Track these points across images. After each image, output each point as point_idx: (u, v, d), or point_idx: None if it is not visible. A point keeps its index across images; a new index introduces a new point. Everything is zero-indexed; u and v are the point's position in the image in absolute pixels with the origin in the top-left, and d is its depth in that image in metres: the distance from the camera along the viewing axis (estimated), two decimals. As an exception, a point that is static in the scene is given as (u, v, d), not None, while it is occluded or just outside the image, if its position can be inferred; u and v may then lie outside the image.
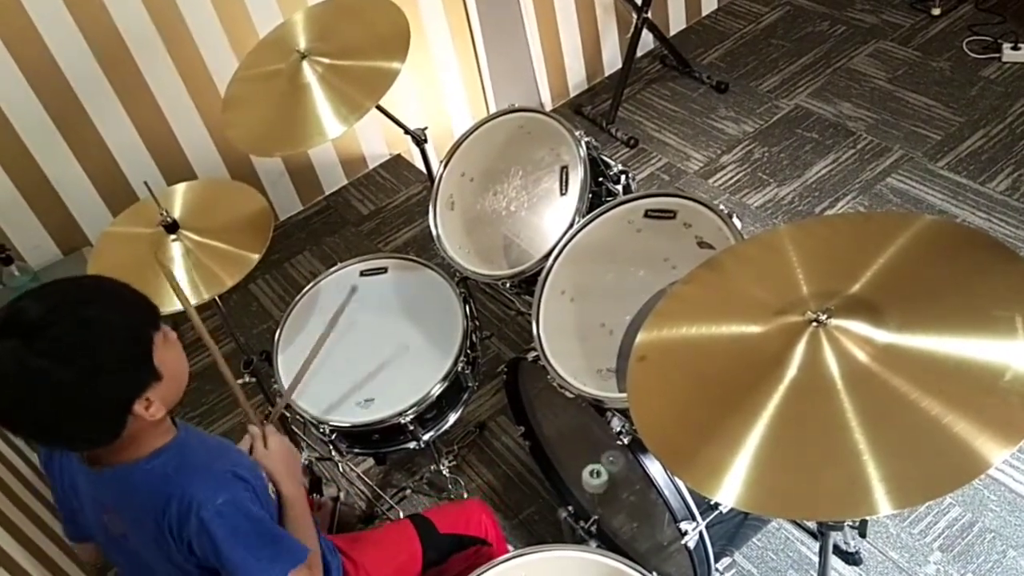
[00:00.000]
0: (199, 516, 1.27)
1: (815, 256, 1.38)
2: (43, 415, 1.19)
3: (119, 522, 1.36)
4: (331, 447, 2.03)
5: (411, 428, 1.96)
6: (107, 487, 1.33)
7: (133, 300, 1.28)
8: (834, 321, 1.22)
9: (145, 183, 1.89)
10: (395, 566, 1.70)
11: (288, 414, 2.04)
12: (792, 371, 1.21)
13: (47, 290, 1.24)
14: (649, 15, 3.40)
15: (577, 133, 1.99)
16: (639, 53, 3.62)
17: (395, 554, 1.71)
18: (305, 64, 2.11)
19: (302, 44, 2.17)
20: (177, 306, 1.68)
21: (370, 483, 2.36)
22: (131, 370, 1.23)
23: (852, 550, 2.07)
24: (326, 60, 2.12)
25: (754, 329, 1.30)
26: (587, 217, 1.91)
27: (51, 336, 1.16)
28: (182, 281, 1.82)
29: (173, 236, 1.89)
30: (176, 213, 1.93)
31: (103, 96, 2.78)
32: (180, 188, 2.04)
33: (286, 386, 2.01)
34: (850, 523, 2.06)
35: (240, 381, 2.08)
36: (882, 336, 1.20)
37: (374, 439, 2.03)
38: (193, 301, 1.77)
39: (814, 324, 1.23)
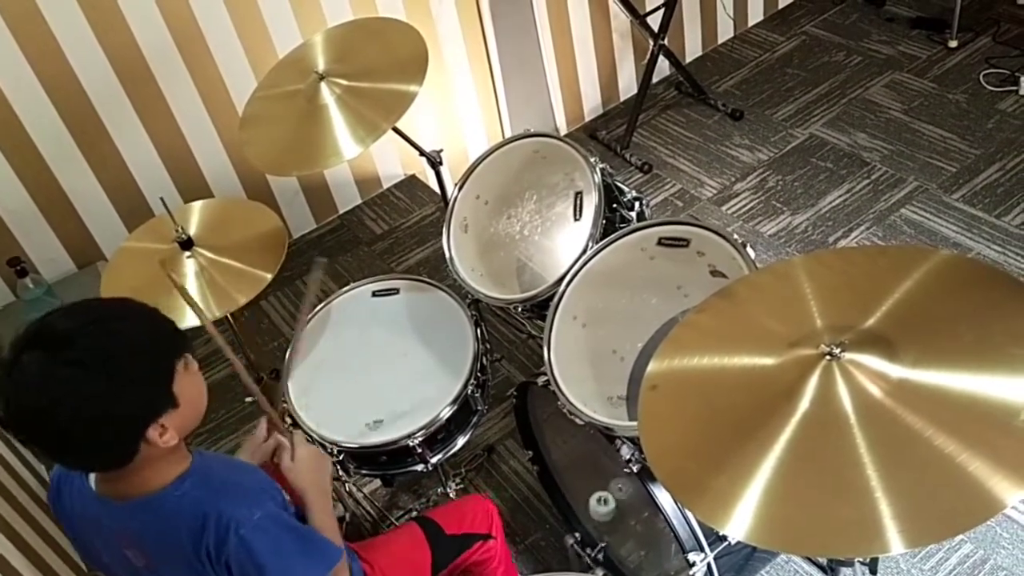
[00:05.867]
0: (239, 534, 1.28)
1: (829, 288, 1.37)
2: (61, 426, 1.18)
3: (142, 554, 1.35)
4: (338, 467, 2.02)
5: (419, 450, 1.95)
6: (132, 518, 1.32)
7: (160, 324, 1.29)
8: (848, 355, 1.21)
9: (161, 199, 1.91)
10: (407, 570, 1.71)
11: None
12: (805, 404, 1.20)
13: (76, 307, 1.26)
14: (665, 42, 3.41)
15: (592, 159, 1.99)
16: (655, 79, 3.64)
17: (406, 558, 1.72)
18: (323, 85, 2.13)
19: (321, 65, 2.18)
20: (190, 323, 1.68)
21: (376, 504, 2.35)
22: (149, 391, 1.23)
23: (862, 585, 2.04)
24: (344, 81, 2.13)
25: (767, 361, 1.29)
26: (600, 243, 1.91)
27: (75, 347, 1.17)
28: (195, 298, 1.83)
29: (188, 253, 1.90)
30: (192, 230, 1.94)
31: (122, 112, 2.80)
32: (196, 205, 2.05)
33: (295, 405, 2.01)
34: (860, 559, 2.03)
35: (249, 399, 2.09)
36: (896, 371, 1.19)
37: (381, 460, 2.02)
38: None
39: (828, 358, 1.22)
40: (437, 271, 3.08)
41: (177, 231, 1.88)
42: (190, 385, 1.29)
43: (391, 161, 3.46)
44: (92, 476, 1.35)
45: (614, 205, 2.02)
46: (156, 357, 1.25)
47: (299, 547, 1.34)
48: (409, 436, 1.92)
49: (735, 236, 1.75)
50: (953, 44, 3.60)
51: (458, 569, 1.78)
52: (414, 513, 2.38)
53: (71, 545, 2.46)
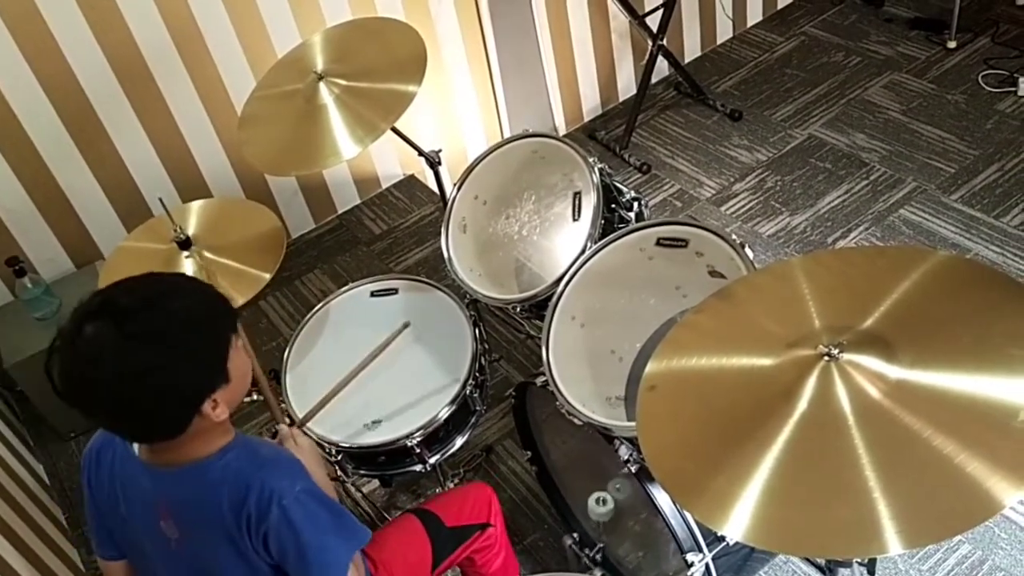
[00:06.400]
0: (281, 505, 1.31)
1: (828, 289, 1.37)
2: (121, 396, 1.21)
3: (176, 526, 1.37)
4: (336, 468, 2.02)
5: (418, 451, 1.95)
6: (177, 485, 1.35)
7: (218, 301, 1.32)
8: (846, 356, 1.21)
9: (160, 199, 1.91)
10: (409, 564, 1.72)
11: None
12: (803, 405, 1.20)
13: (138, 282, 1.29)
14: (664, 42, 3.41)
15: (591, 159, 1.99)
16: (654, 80, 3.64)
17: (407, 551, 1.73)
18: (322, 85, 2.13)
19: (320, 65, 2.18)
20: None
21: (375, 505, 2.35)
22: (208, 366, 1.27)
23: (860, 586, 2.04)
24: (343, 81, 2.13)
25: (765, 361, 1.29)
26: (599, 243, 1.91)
27: (141, 320, 1.21)
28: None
29: (186, 253, 1.90)
30: (190, 230, 1.95)
31: (121, 111, 2.80)
32: (195, 205, 2.05)
33: (294, 405, 2.01)
34: (858, 559, 2.03)
35: (248, 399, 2.09)
36: (894, 372, 1.19)
37: (380, 461, 2.02)
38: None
39: (826, 358, 1.22)
40: (436, 271, 3.08)
41: (175, 231, 1.88)
42: (241, 362, 1.33)
43: (390, 161, 3.46)
44: (136, 445, 1.37)
45: (613, 205, 2.02)
46: (215, 333, 1.29)
47: (333, 523, 1.38)
48: (407, 436, 1.92)
49: (734, 236, 1.75)
50: (952, 45, 3.60)
51: (458, 559, 1.79)
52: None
53: (71, 544, 2.46)
